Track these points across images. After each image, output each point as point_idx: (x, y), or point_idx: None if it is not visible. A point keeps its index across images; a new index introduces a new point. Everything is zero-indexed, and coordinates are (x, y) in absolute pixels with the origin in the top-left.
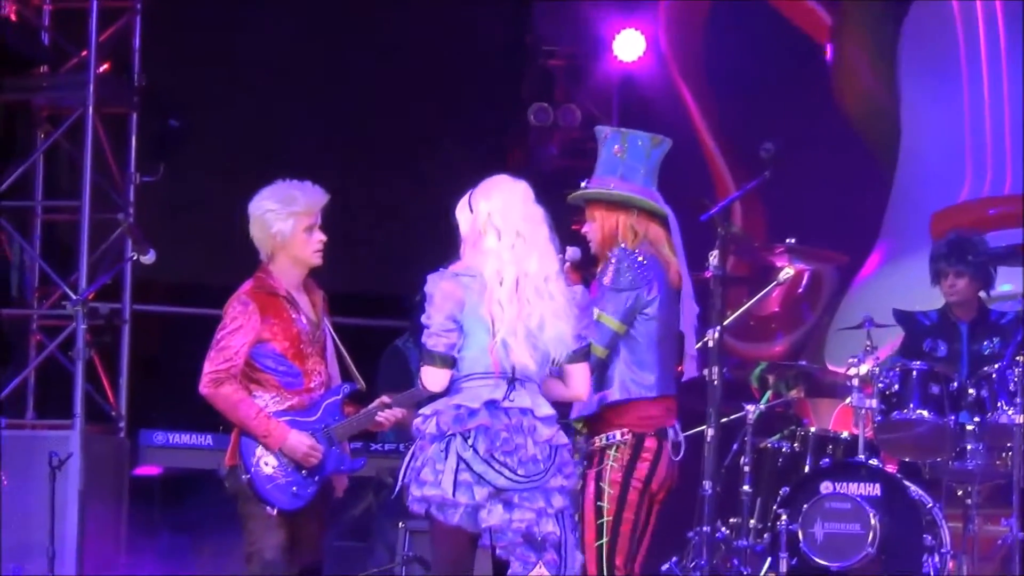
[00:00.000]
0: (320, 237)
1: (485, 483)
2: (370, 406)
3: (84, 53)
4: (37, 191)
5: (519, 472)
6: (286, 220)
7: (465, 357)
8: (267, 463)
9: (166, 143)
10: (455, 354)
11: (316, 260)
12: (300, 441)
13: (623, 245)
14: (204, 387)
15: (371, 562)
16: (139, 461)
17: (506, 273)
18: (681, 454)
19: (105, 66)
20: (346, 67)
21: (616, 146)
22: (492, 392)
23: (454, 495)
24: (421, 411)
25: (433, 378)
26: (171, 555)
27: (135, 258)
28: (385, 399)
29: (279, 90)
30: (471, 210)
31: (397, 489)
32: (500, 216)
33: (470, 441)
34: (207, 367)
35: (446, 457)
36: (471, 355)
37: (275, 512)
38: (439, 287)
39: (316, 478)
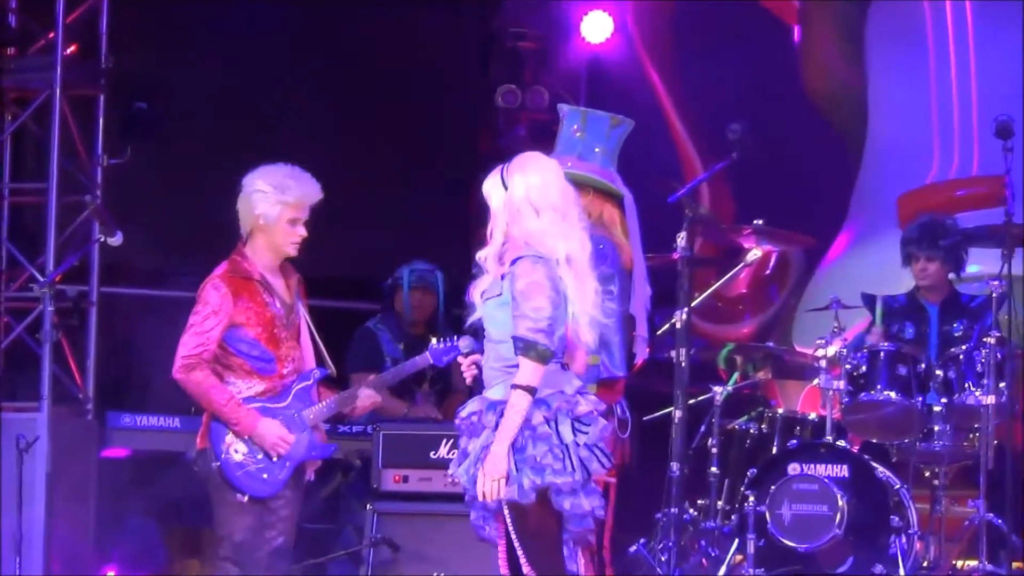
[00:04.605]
0: (302, 232)
1: (583, 469)
2: (350, 390)
3: (51, 35)
4: (4, 173)
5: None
6: (273, 206)
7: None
8: (237, 450)
9: (133, 125)
10: None
11: (291, 252)
12: (269, 430)
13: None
14: (176, 372)
15: (339, 544)
16: (107, 443)
17: (559, 251)
18: (628, 431)
19: (72, 48)
20: (316, 50)
21: (575, 125)
22: (573, 377)
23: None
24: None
25: (537, 375)
26: (140, 537)
27: (102, 240)
28: (369, 382)
29: (249, 72)
30: (505, 186)
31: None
32: (538, 192)
33: (584, 428)
34: (180, 351)
35: (562, 442)
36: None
37: (246, 499)
38: (543, 274)
39: (287, 463)
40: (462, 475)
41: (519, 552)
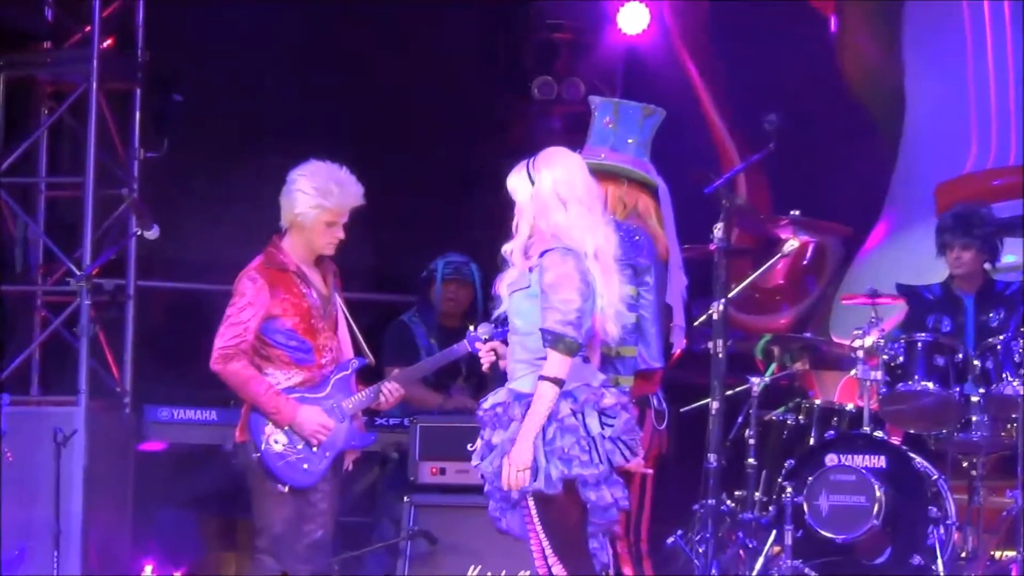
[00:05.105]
0: (339, 235)
1: (607, 462)
2: (382, 382)
3: (87, 29)
4: (41, 167)
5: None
6: (313, 208)
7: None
8: (277, 441)
9: (170, 119)
10: None
11: (327, 252)
12: (309, 418)
13: (612, 217)
14: (214, 363)
15: (376, 537)
16: (144, 437)
17: (587, 245)
18: (665, 423)
19: (108, 42)
20: (346, 42)
21: (607, 117)
22: (596, 370)
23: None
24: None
25: (565, 367)
26: (177, 530)
27: (139, 234)
28: (395, 375)
29: (282, 66)
30: (532, 180)
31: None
32: (565, 187)
33: (610, 420)
34: (217, 343)
35: (589, 435)
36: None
37: (287, 490)
38: (573, 267)
39: (327, 453)
40: (487, 467)
41: (545, 544)
